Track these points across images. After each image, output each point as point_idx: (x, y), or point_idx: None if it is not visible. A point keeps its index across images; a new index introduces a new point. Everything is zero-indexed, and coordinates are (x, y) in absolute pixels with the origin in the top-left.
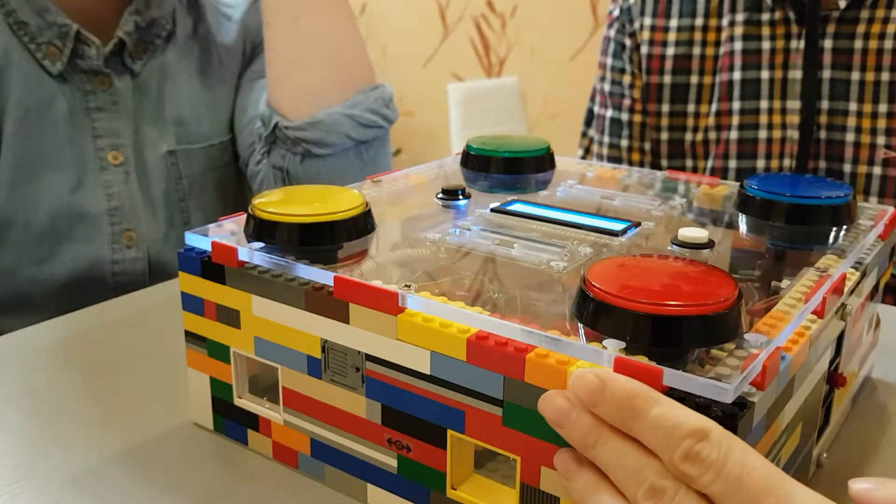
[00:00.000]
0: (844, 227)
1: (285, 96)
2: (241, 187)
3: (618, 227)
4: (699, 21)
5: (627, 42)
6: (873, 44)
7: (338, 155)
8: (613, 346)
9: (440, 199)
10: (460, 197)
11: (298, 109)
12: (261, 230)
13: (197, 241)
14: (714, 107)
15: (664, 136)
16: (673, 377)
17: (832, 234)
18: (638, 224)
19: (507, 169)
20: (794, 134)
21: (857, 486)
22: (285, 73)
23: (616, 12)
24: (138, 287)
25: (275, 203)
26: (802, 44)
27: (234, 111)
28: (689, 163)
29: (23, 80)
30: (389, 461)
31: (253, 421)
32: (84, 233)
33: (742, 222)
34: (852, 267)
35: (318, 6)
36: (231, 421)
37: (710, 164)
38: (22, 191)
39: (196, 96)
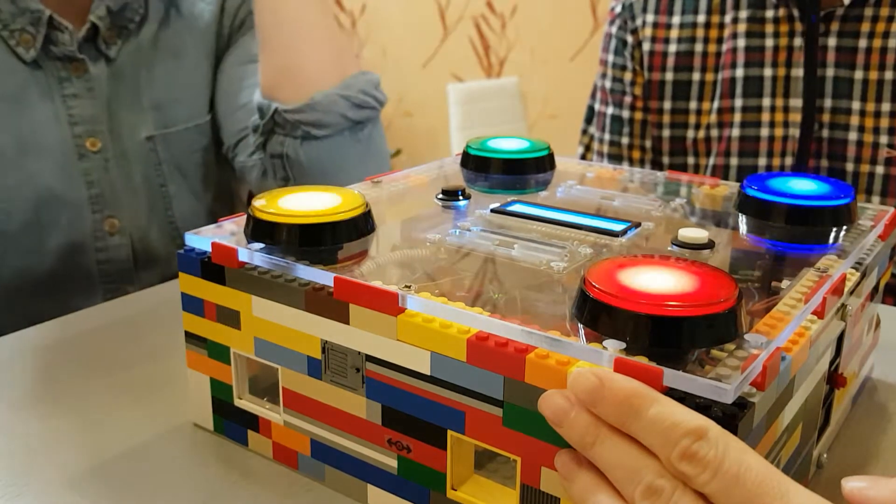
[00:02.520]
0: (845, 227)
1: (281, 81)
2: (222, 171)
3: (618, 227)
4: (702, 18)
5: (629, 39)
6: (877, 42)
7: (335, 136)
8: (613, 347)
9: (440, 199)
10: (460, 197)
11: (295, 93)
12: (261, 231)
13: (197, 241)
14: (716, 104)
15: (666, 133)
16: (673, 378)
17: (832, 235)
18: (638, 224)
19: (507, 169)
20: (796, 132)
21: (850, 484)
22: (280, 59)
23: (618, 9)
24: (124, 274)
25: (275, 204)
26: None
27: (213, 94)
28: (690, 160)
29: None
30: (390, 462)
31: (253, 422)
32: (66, 221)
33: (742, 223)
34: (852, 267)
35: None
36: (231, 422)
37: (711, 161)
38: (2, 179)
39: (171, 79)
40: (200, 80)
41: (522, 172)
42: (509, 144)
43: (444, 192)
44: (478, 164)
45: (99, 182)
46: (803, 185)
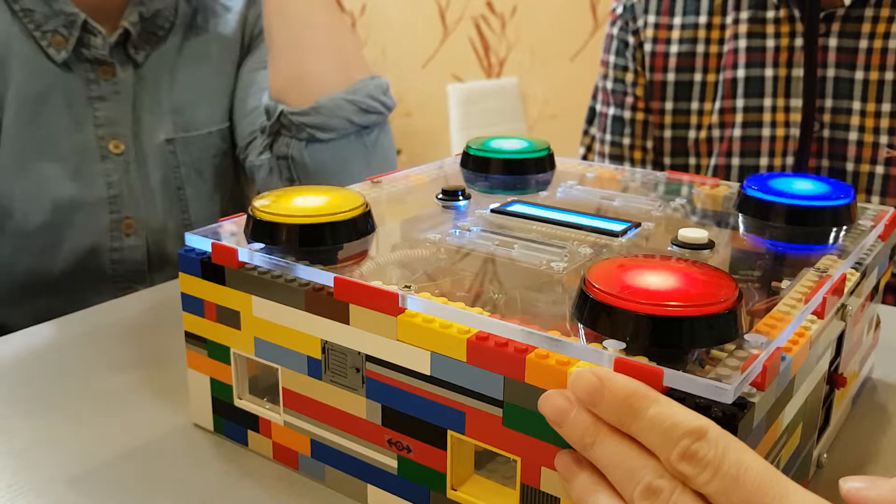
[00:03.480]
0: (844, 227)
1: (289, 86)
2: (236, 176)
3: (618, 227)
4: (703, 19)
5: (630, 40)
6: (878, 43)
7: (340, 140)
8: (613, 347)
9: (440, 199)
10: (460, 198)
11: (302, 97)
12: (261, 231)
13: (197, 241)
14: (717, 104)
15: (667, 133)
16: (673, 378)
17: (832, 235)
18: (638, 225)
19: (507, 170)
20: (796, 132)
21: (849, 485)
22: (287, 63)
23: (619, 10)
24: (137, 275)
25: (275, 204)
26: None
27: (233, 100)
28: (692, 161)
29: (23, 68)
30: (390, 462)
31: (253, 422)
32: (83, 221)
33: (742, 223)
34: (852, 267)
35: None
36: (231, 422)
37: (713, 161)
38: (22, 180)
39: (194, 85)
40: (222, 86)
41: (522, 173)
42: (509, 145)
43: (444, 192)
44: (478, 165)
45: (118, 183)
46: (803, 185)
